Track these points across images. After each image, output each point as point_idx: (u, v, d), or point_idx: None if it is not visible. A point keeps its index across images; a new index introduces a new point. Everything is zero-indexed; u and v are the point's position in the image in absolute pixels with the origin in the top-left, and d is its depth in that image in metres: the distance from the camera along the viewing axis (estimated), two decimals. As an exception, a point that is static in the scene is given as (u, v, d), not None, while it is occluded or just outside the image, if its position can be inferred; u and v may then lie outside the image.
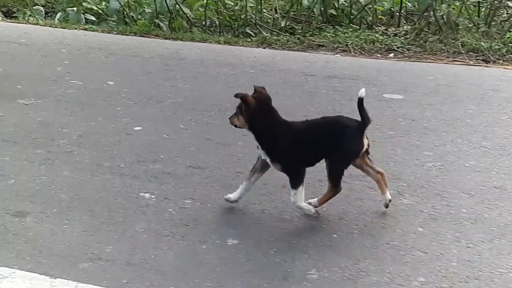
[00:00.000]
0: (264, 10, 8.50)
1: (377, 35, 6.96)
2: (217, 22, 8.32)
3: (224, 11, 8.49)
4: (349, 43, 6.80)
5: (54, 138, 4.24)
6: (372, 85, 5.39)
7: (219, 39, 7.14)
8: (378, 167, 3.35)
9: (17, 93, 5.05)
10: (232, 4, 8.73)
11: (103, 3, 9.51)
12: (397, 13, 7.71)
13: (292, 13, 8.35)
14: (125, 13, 8.77)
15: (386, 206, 3.33)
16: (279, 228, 3.21)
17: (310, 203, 3.29)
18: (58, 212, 3.31)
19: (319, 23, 7.83)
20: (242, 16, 8.22)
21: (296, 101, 5.02)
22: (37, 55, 6.23)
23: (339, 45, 6.81)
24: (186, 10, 8.43)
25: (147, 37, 7.34)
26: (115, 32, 7.46)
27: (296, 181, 3.20)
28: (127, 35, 7.38)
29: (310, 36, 7.33)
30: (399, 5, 7.77)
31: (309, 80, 5.54)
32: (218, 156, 4.03)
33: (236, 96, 3.15)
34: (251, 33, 8.05)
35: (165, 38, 7.26)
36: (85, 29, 7.57)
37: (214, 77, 5.63)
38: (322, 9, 7.96)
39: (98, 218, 3.26)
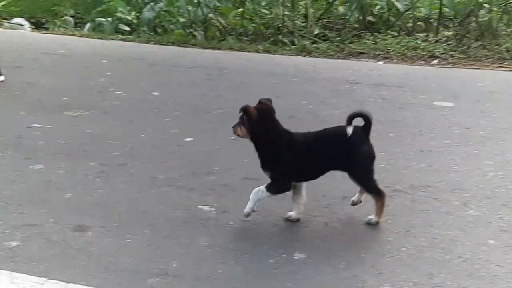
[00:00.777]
0: (297, 18, 8.45)
1: (418, 42, 6.85)
2: (252, 31, 8.29)
3: (258, 19, 8.46)
4: (390, 50, 6.71)
5: (106, 150, 4.20)
6: (421, 92, 5.31)
7: (257, 47, 7.09)
8: None
9: (64, 105, 5.03)
10: (267, 12, 8.68)
11: (132, 13, 9.53)
12: (435, 20, 7.60)
13: (324, 20, 8.29)
14: (158, 23, 8.78)
15: (353, 204, 3.35)
16: (345, 241, 3.13)
17: (370, 221, 3.24)
18: (119, 226, 3.26)
19: (357, 30, 7.75)
20: (275, 24, 8.17)
21: (344, 110, 4.87)
22: (78, 66, 6.22)
23: (381, 52, 6.72)
24: (221, 19, 8.40)
25: (185, 46, 7.30)
26: (152, 42, 7.44)
27: (280, 190, 3.21)
28: (164, 44, 7.35)
29: (349, 43, 7.24)
30: (436, 11, 7.67)
31: (355, 89, 5.46)
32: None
33: (240, 110, 3.14)
34: (286, 41, 8.01)
35: (203, 48, 7.22)
36: (122, 40, 7.55)
37: (258, 86, 5.57)
38: (358, 16, 7.89)
39: (160, 232, 3.20)
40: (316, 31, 8.01)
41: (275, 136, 3.17)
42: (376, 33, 7.49)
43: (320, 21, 8.22)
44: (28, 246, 3.06)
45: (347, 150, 3.14)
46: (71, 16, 11.51)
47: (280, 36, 8.21)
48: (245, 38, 8.30)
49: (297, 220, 3.31)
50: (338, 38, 7.54)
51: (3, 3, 10.18)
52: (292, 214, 3.32)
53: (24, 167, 3.92)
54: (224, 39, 8.33)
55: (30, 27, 10.01)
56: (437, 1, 8.02)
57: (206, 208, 3.44)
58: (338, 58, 6.73)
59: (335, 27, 8.58)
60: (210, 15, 8.41)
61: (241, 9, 8.60)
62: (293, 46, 7.22)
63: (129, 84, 5.60)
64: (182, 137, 4.41)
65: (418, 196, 3.52)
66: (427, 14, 7.90)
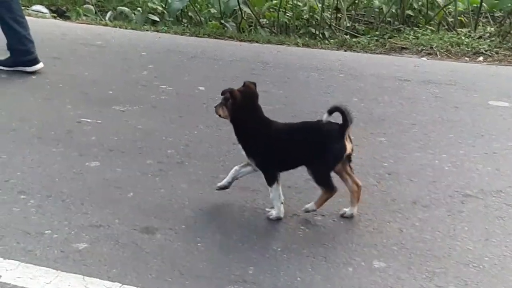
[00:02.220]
0: (329, 11, 8.34)
1: (462, 38, 6.72)
2: (284, 23, 8.17)
3: (291, 12, 8.35)
4: (434, 46, 6.57)
5: (160, 147, 4.11)
6: (473, 91, 5.19)
7: (296, 41, 6.98)
8: (357, 179, 3.25)
9: (111, 99, 4.94)
10: (300, 4, 8.56)
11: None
12: (475, 15, 7.46)
13: (354, 12, 8.17)
14: (185, 13, 8.67)
15: (343, 216, 3.26)
16: (423, 249, 3.03)
17: (307, 209, 3.23)
18: (187, 229, 3.17)
19: (396, 24, 7.62)
20: (307, 17, 8.06)
21: (398, 109, 4.83)
22: (118, 58, 6.13)
23: (424, 48, 6.59)
24: (248, 11, 8.28)
25: (221, 39, 7.19)
26: (187, 34, 7.33)
27: (270, 179, 3.22)
28: (201, 37, 7.25)
29: (389, 38, 7.12)
30: (474, 6, 7.54)
31: (405, 86, 5.35)
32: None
33: (222, 93, 3.21)
34: (319, 33, 7.91)
35: (240, 40, 7.11)
36: (157, 31, 7.43)
37: (304, 82, 5.47)
38: (396, 9, 7.76)
39: (231, 235, 3.12)
40: (348, 24, 7.91)
41: (253, 121, 3.21)
42: (416, 28, 7.36)
43: (352, 14, 8.08)
44: (97, 248, 2.98)
45: (319, 144, 3.10)
46: (92, 5, 11.43)
47: (312, 29, 8.11)
48: (279, 31, 8.19)
49: (226, 188, 3.37)
50: (377, 32, 7.40)
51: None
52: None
53: (80, 164, 3.83)
54: (253, 31, 8.25)
55: (52, 15, 9.91)
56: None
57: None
58: (380, 53, 6.60)
59: (369, 20, 8.48)
60: (242, 6, 8.30)
61: (275, 1, 8.48)
62: (332, 40, 7.09)
63: (173, 78, 5.50)
64: (233, 134, 4.28)
65: (491, 202, 3.42)
66: (466, 9, 7.76)
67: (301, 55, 6.34)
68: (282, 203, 3.25)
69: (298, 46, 6.83)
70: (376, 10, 8.23)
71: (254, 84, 3.26)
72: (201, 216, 3.29)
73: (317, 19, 8.44)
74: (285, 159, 3.23)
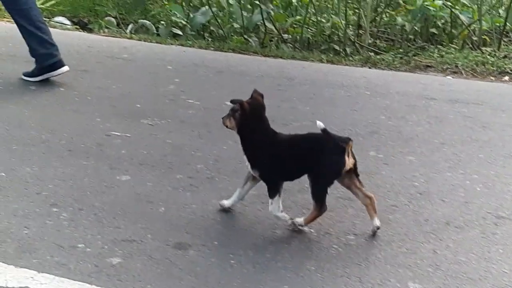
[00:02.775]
0: (351, 27, 8.36)
1: (488, 57, 6.70)
2: (307, 39, 8.19)
3: (314, 28, 8.38)
4: (459, 65, 6.55)
5: (190, 162, 4.12)
6: (501, 111, 5.18)
7: (321, 57, 6.99)
8: (368, 191, 3.26)
9: (139, 113, 4.96)
10: (324, 21, 8.58)
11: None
12: (497, 33, 7.44)
13: (376, 29, 8.18)
14: (207, 27, 8.71)
15: (374, 233, 3.25)
16: (458, 272, 3.02)
17: (295, 222, 3.24)
18: (220, 245, 3.18)
19: (420, 42, 7.62)
20: (329, 33, 8.08)
21: (427, 127, 4.82)
22: (145, 72, 6.15)
23: (448, 67, 6.57)
24: (271, 26, 8.32)
25: (245, 54, 7.21)
26: (212, 48, 7.35)
27: (272, 191, 3.25)
28: (225, 51, 7.27)
29: (413, 55, 7.11)
30: (498, 25, 7.52)
31: (432, 104, 5.33)
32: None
33: (232, 102, 3.27)
34: (341, 50, 7.93)
35: (265, 56, 7.12)
36: (182, 45, 7.46)
37: (331, 99, 5.47)
38: (420, 27, 7.76)
39: (263, 253, 3.12)
40: (369, 41, 7.92)
41: (260, 133, 3.26)
42: (439, 46, 7.35)
43: (373, 31, 8.08)
44: (131, 263, 2.98)
45: (319, 157, 3.13)
46: (113, 17, 11.52)
47: (335, 45, 8.13)
48: (300, 46, 8.21)
49: (229, 208, 3.43)
50: (401, 50, 7.40)
51: (51, 2, 10.13)
52: (225, 202, 3.44)
53: (111, 177, 3.85)
54: (275, 46, 8.28)
55: (75, 27, 9.99)
56: (497, 15, 7.89)
57: (306, 229, 3.33)
58: (404, 71, 6.58)
59: (390, 37, 8.48)
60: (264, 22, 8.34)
61: (298, 17, 8.50)
62: (357, 57, 7.09)
63: (200, 92, 5.51)
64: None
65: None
66: (489, 28, 7.74)
67: (326, 71, 6.34)
68: (281, 211, 3.29)
69: (323, 62, 6.83)
70: (398, 27, 8.22)
71: (262, 95, 3.32)
72: (233, 233, 3.30)
73: (338, 35, 8.47)
74: (288, 169, 3.26)
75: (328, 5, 9.24)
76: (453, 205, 3.61)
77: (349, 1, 8.88)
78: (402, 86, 5.84)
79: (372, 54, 7.03)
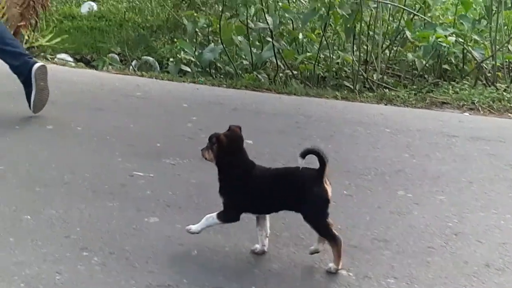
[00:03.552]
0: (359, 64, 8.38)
1: (503, 93, 6.68)
2: (317, 75, 8.20)
3: (323, 64, 8.39)
4: (475, 101, 6.53)
5: (217, 203, 3.97)
6: (525, 149, 5.12)
7: (335, 94, 6.96)
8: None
9: (160, 152, 4.90)
10: (334, 57, 8.59)
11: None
12: (509, 69, 7.46)
13: (384, 65, 8.20)
14: (213, 64, 8.72)
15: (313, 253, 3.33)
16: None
17: (330, 269, 3.22)
18: (258, 290, 3.07)
19: (433, 78, 7.62)
20: (334, 69, 8.11)
21: (452, 166, 4.77)
22: (160, 110, 6.11)
23: (465, 103, 6.55)
24: (286, 63, 8.33)
25: (259, 91, 7.18)
26: (224, 86, 7.32)
27: (226, 217, 3.33)
28: (238, 88, 7.25)
29: (427, 92, 7.10)
30: (508, 61, 7.54)
31: (454, 142, 5.29)
32: (398, 227, 3.79)
33: (210, 138, 3.37)
34: (350, 86, 7.93)
35: (278, 93, 7.09)
36: (194, 82, 7.44)
37: (351, 136, 5.43)
38: (432, 63, 7.77)
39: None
40: (377, 76, 7.93)
41: (237, 164, 3.29)
42: (453, 82, 7.35)
43: (381, 67, 8.10)
44: (169, 310, 2.88)
45: (299, 191, 3.13)
46: (116, 54, 11.54)
47: (345, 82, 8.13)
48: (312, 83, 8.20)
49: (263, 252, 3.37)
50: (414, 86, 7.39)
51: (56, 40, 10.13)
52: (257, 246, 3.38)
53: (139, 219, 3.77)
54: (285, 83, 8.29)
55: (79, 64, 9.99)
56: (507, 51, 7.91)
57: (344, 272, 3.25)
58: (420, 107, 6.56)
59: (397, 73, 8.50)
60: (272, 58, 8.35)
61: (309, 54, 8.51)
62: (371, 94, 7.06)
63: (218, 130, 5.41)
64: (292, 191, 4.21)
65: None
66: (501, 64, 7.75)
67: (342, 108, 6.31)
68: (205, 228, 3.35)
69: (337, 99, 6.80)
70: (408, 63, 8.24)
71: (239, 127, 3.38)
72: (270, 277, 3.23)
73: (345, 71, 8.48)
74: (265, 202, 3.28)
75: (333, 41, 9.28)
76: (490, 246, 3.54)
77: (356, 37, 8.90)
78: (421, 123, 5.80)
79: (386, 90, 6.98)
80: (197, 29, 10.00)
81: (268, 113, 6.09)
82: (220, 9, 12.19)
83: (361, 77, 7.88)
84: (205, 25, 9.85)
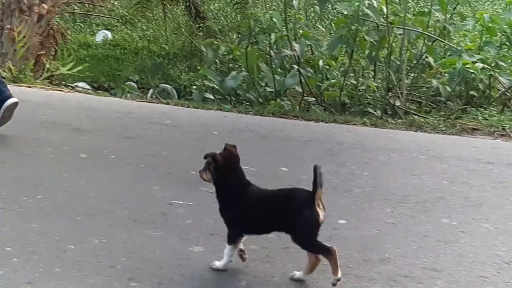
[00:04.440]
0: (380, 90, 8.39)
1: (535, 119, 6.65)
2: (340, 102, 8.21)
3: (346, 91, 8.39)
4: (506, 127, 6.48)
5: (260, 232, 3.98)
6: None
7: (363, 120, 6.92)
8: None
9: (195, 180, 4.70)
10: (355, 82, 8.59)
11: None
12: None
13: (405, 92, 8.19)
14: (234, 92, 8.73)
15: (293, 278, 3.35)
16: None
17: (293, 276, 3.33)
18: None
19: (460, 103, 7.59)
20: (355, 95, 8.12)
21: (493, 193, 4.72)
22: (191, 137, 6.10)
23: (496, 129, 6.49)
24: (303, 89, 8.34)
25: (286, 118, 7.16)
26: (251, 113, 7.31)
27: (231, 238, 3.37)
28: (265, 115, 7.22)
29: (455, 118, 7.06)
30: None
31: (491, 169, 5.24)
32: (447, 256, 3.72)
33: (205, 157, 3.36)
34: (374, 112, 7.91)
35: (306, 120, 7.06)
36: (220, 109, 7.43)
37: (386, 163, 5.39)
38: (459, 90, 7.75)
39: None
40: (399, 103, 7.92)
41: (233, 184, 3.35)
42: (480, 108, 7.31)
43: (403, 93, 8.09)
44: None
45: (290, 214, 3.16)
46: (134, 82, 11.60)
47: (369, 108, 8.12)
48: (338, 110, 8.19)
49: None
50: (442, 113, 7.36)
51: (78, 68, 10.17)
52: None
53: (183, 249, 3.74)
54: (308, 109, 8.27)
55: (98, 92, 10.02)
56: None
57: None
58: (451, 134, 6.51)
59: (417, 100, 8.48)
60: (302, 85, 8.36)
61: (333, 80, 8.50)
62: (400, 120, 7.03)
63: (251, 158, 5.38)
64: (335, 219, 4.18)
65: None
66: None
67: (373, 135, 6.27)
68: (230, 261, 3.38)
69: (366, 125, 6.77)
70: (433, 90, 8.24)
71: (235, 147, 3.40)
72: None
73: (367, 98, 8.47)
74: (255, 223, 3.33)
75: (353, 68, 9.31)
76: (545, 275, 3.46)
77: (380, 64, 8.91)
78: (454, 149, 5.76)
79: (416, 117, 6.95)
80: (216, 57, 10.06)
81: (299, 140, 6.05)
82: (234, 37, 12.32)
83: (383, 103, 7.85)
84: (225, 53, 9.88)
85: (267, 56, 8.83)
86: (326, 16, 13.56)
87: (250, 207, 3.30)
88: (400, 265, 3.55)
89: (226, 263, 3.40)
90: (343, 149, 5.76)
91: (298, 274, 3.35)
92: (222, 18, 14.13)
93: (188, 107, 7.56)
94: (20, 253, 3.60)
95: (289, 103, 8.59)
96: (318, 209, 3.15)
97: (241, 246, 3.45)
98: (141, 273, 3.42)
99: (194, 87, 9.15)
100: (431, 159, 5.46)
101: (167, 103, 7.75)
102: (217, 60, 10.02)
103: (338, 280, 3.18)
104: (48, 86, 8.68)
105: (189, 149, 5.64)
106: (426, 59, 8.45)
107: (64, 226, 3.96)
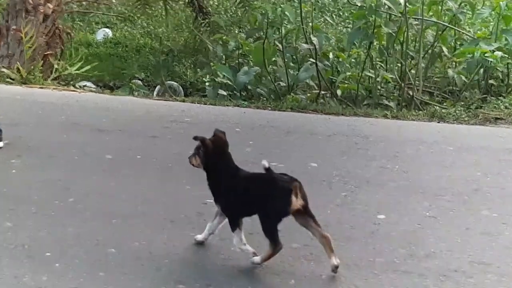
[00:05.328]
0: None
1: (556, 107, 6.60)
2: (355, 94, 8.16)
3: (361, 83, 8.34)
4: (529, 116, 6.44)
5: (300, 230, 3.92)
6: None
7: (384, 113, 6.86)
8: (324, 231, 3.28)
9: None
10: (373, 76, 8.52)
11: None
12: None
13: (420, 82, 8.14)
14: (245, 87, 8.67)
15: (333, 270, 3.29)
16: None
17: (253, 261, 3.32)
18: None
19: (480, 93, 7.54)
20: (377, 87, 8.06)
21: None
22: (213, 134, 6.00)
23: (518, 118, 6.45)
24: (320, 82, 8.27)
25: (304, 112, 7.09)
26: (269, 108, 7.24)
27: (232, 224, 3.40)
28: (283, 110, 7.17)
29: (475, 108, 7.01)
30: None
31: (522, 159, 5.17)
32: (494, 249, 3.67)
33: (195, 138, 3.42)
34: (390, 104, 7.86)
35: (324, 114, 7.01)
36: (238, 106, 7.37)
37: (416, 156, 5.34)
38: (478, 79, 7.69)
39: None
40: (412, 94, 7.86)
41: (222, 168, 3.42)
42: (500, 97, 7.26)
43: (416, 84, 8.03)
44: None
45: (266, 196, 3.25)
46: (139, 79, 11.52)
47: (384, 100, 8.06)
48: (353, 102, 8.13)
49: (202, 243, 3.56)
50: (462, 103, 7.31)
51: (86, 68, 10.08)
52: (199, 237, 3.61)
53: (225, 248, 3.69)
54: (322, 102, 8.21)
55: (103, 90, 9.94)
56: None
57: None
58: (474, 124, 6.46)
59: (428, 90, 8.42)
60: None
61: (348, 73, 8.44)
62: (420, 112, 6.97)
63: (279, 154, 5.37)
64: (373, 214, 4.13)
65: None
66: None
67: (396, 127, 6.23)
68: (245, 244, 3.40)
69: (387, 118, 6.71)
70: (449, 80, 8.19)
71: (224, 133, 3.50)
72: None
73: (379, 89, 8.41)
74: (242, 205, 3.37)
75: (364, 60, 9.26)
76: None
77: (391, 55, 8.85)
78: (481, 140, 5.71)
79: (437, 108, 6.89)
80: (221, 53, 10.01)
81: (323, 134, 6.00)
82: (236, 31, 12.22)
83: (401, 95, 7.79)
84: (234, 48, 9.82)
85: (278, 50, 8.75)
86: (332, 8, 13.49)
87: (238, 190, 3.35)
88: (447, 260, 3.50)
89: (247, 248, 3.43)
90: (369, 142, 5.70)
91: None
92: (222, 13, 14.02)
93: (205, 104, 7.49)
94: (61, 258, 3.53)
95: (303, 97, 8.52)
96: (294, 198, 3.21)
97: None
98: (187, 274, 3.37)
99: (207, 83, 9.06)
100: (459, 150, 5.41)
101: (183, 101, 7.66)
102: (223, 56, 9.93)
103: (258, 264, 3.31)
104: (60, 86, 8.59)
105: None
106: (435, 49, 8.37)
107: (101, 229, 3.90)
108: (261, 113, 6.99)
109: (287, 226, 3.79)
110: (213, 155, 3.40)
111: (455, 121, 6.55)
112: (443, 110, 6.83)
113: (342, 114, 6.92)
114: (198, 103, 7.59)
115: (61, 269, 3.42)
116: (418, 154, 5.34)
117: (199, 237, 3.62)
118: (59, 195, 4.41)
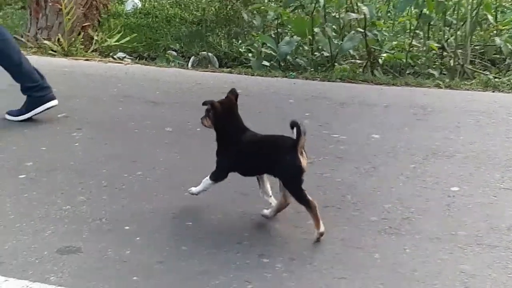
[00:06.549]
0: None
1: None
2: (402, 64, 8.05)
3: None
4: None
5: (374, 202, 3.93)
6: None
7: (437, 82, 6.77)
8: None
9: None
10: (419, 45, 8.40)
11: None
12: None
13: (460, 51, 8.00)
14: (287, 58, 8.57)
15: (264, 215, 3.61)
16: None
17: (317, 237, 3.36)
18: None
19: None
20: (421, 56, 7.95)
21: None
22: (269, 106, 6.05)
23: None
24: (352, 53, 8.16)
25: (354, 83, 7.01)
26: (318, 79, 7.17)
27: (216, 176, 3.63)
28: (333, 81, 7.09)
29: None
30: None
31: None
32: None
33: (204, 103, 3.59)
34: (435, 74, 7.74)
35: (376, 84, 6.92)
36: (285, 77, 7.30)
37: (478, 126, 5.28)
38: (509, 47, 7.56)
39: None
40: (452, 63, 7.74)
41: (230, 129, 3.57)
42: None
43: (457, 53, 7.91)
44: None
45: (277, 158, 3.35)
46: (175, 51, 11.45)
47: (430, 70, 7.95)
48: (400, 72, 8.04)
49: (273, 215, 3.61)
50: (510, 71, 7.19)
51: (126, 39, 10.03)
52: (265, 211, 3.62)
53: (303, 222, 3.66)
54: (365, 72, 8.11)
55: (138, 62, 9.88)
56: None
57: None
58: (531, 93, 6.35)
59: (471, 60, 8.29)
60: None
61: (394, 42, 8.33)
62: (473, 81, 6.87)
63: (338, 126, 5.33)
64: (446, 186, 4.09)
65: None
66: None
67: (450, 97, 6.16)
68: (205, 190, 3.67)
69: (440, 87, 6.62)
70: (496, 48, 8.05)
71: (236, 95, 3.64)
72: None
73: (424, 58, 8.28)
74: (249, 166, 3.54)
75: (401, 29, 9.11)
76: None
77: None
78: (543, 109, 5.60)
79: (490, 77, 6.78)
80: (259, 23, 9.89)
81: (379, 105, 5.94)
82: (266, 0, 12.04)
83: (453, 63, 7.68)
84: (274, 18, 9.71)
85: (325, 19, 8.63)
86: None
87: (245, 150, 3.50)
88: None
89: (200, 191, 3.69)
90: (428, 113, 5.63)
91: (266, 211, 3.60)
92: (255, -19, 13.82)
93: (252, 75, 7.42)
94: (140, 231, 3.55)
95: (347, 67, 8.42)
96: (300, 156, 3.30)
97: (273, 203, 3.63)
98: (270, 248, 3.37)
99: (250, 54, 8.98)
100: (521, 120, 5.32)
101: (230, 72, 7.62)
102: (262, 25, 9.80)
103: (321, 234, 3.35)
104: (104, 58, 8.58)
105: (273, 118, 5.54)
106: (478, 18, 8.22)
107: (175, 202, 3.90)
108: (311, 83, 6.92)
109: (363, 200, 3.78)
110: (221, 116, 3.55)
111: (510, 91, 6.43)
112: (495, 79, 6.70)
113: (393, 85, 6.82)
114: (245, 74, 7.53)
115: (142, 243, 3.44)
116: (480, 124, 5.27)
117: (265, 211, 3.66)
118: (127, 168, 4.42)
